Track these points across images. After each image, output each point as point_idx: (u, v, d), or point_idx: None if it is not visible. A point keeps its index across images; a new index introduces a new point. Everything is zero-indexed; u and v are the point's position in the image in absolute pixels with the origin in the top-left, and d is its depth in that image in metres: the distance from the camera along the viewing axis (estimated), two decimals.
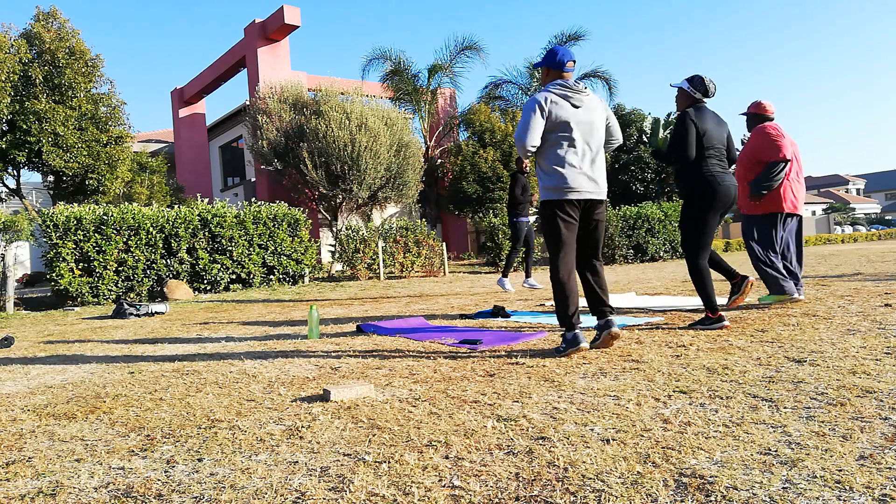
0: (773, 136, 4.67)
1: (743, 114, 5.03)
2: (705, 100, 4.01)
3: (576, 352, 3.25)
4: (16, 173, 13.49)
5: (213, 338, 4.84)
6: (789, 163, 4.62)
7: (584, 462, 1.70)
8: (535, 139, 3.31)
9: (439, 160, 19.97)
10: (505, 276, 7.78)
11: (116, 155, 13.32)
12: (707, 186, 3.89)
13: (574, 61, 3.45)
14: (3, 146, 12.24)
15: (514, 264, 8.05)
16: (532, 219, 8.07)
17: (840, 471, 1.54)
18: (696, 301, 5.44)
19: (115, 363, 3.84)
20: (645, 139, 24.97)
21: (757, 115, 4.89)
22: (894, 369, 2.51)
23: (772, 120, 4.87)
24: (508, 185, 7.90)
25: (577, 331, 3.26)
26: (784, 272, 4.69)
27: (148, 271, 9.51)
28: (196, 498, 1.62)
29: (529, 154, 3.37)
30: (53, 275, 8.81)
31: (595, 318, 3.44)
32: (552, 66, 3.43)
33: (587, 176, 3.33)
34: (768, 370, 2.65)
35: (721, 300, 5.00)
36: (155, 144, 23.08)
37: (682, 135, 3.88)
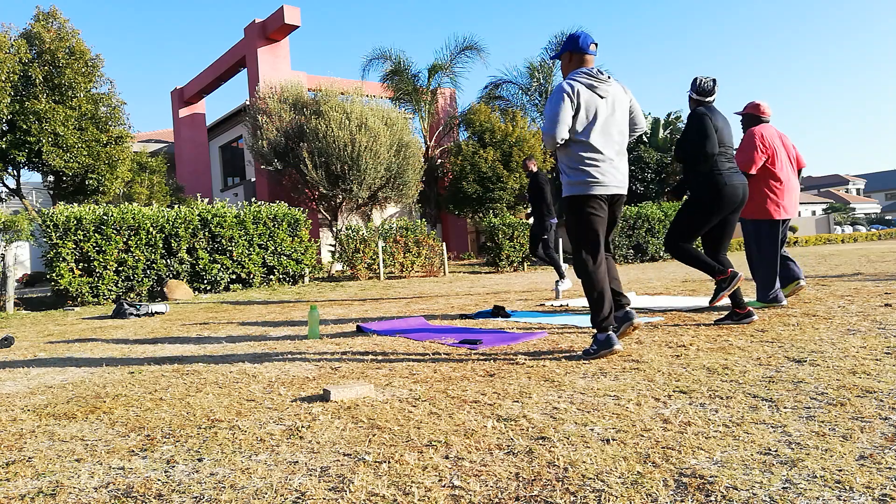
0: (752, 145, 4.60)
1: (738, 113, 5.01)
2: (708, 99, 4.03)
3: (609, 354, 3.08)
4: (16, 173, 13.48)
5: (213, 338, 4.84)
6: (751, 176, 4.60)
7: (584, 462, 1.70)
8: (565, 131, 3.13)
9: (439, 160, 19.97)
10: (564, 275, 7.32)
11: (116, 155, 13.31)
12: (714, 186, 3.88)
13: (596, 44, 3.28)
14: (3, 146, 12.23)
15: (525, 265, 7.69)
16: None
17: (840, 471, 1.54)
18: (696, 301, 5.44)
19: (115, 363, 3.84)
20: (645, 139, 24.98)
21: (752, 117, 4.87)
22: (894, 369, 2.51)
23: (767, 122, 4.85)
24: (532, 185, 7.55)
25: (610, 332, 3.10)
26: (778, 282, 4.71)
27: (148, 271, 9.51)
28: (196, 498, 1.62)
29: (558, 145, 3.19)
30: (53, 275, 8.81)
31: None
32: (574, 50, 3.27)
33: (615, 170, 3.20)
34: (768, 370, 2.65)
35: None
36: (155, 144, 23.08)
37: (702, 135, 3.83)
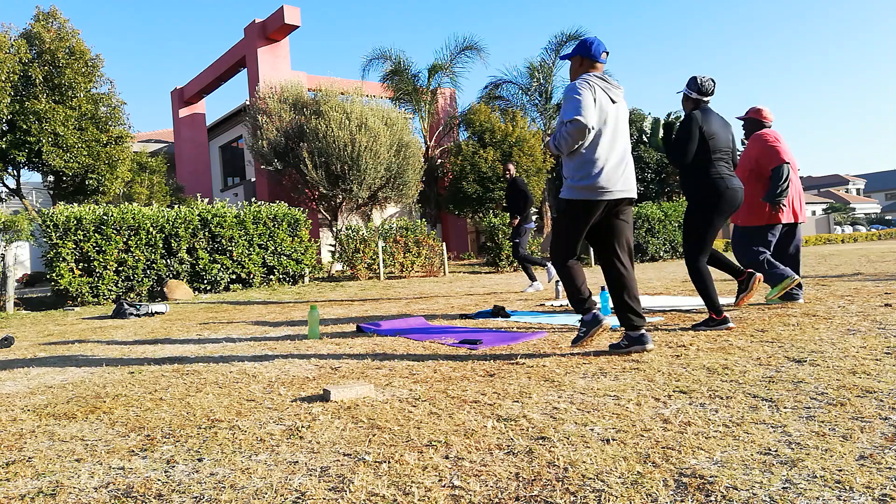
0: (770, 143, 4.66)
1: (740, 118, 5.00)
2: (706, 99, 3.99)
3: (598, 331, 3.12)
4: (16, 173, 13.48)
5: (213, 338, 4.84)
6: (790, 165, 4.63)
7: (584, 462, 1.70)
8: (593, 118, 3.03)
9: (439, 160, 19.97)
10: (535, 279, 7.74)
11: (116, 155, 13.31)
12: (714, 189, 3.86)
13: (608, 53, 3.27)
14: (3, 146, 12.24)
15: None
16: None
17: (840, 471, 1.54)
18: (696, 301, 5.44)
19: (115, 363, 3.84)
20: (645, 139, 24.99)
21: (755, 121, 4.87)
22: (894, 369, 2.51)
23: (769, 127, 4.86)
24: (511, 189, 7.79)
25: (594, 311, 3.15)
26: (779, 264, 4.70)
27: (148, 271, 9.51)
28: (196, 498, 1.62)
29: (589, 133, 3.04)
30: (53, 275, 8.81)
31: (624, 326, 3.23)
32: (586, 55, 3.24)
33: (622, 176, 3.18)
34: (768, 370, 2.65)
35: (727, 300, 4.98)
36: (155, 144, 23.08)
37: (685, 137, 3.84)
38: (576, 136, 3.07)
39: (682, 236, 4.08)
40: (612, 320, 4.26)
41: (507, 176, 7.91)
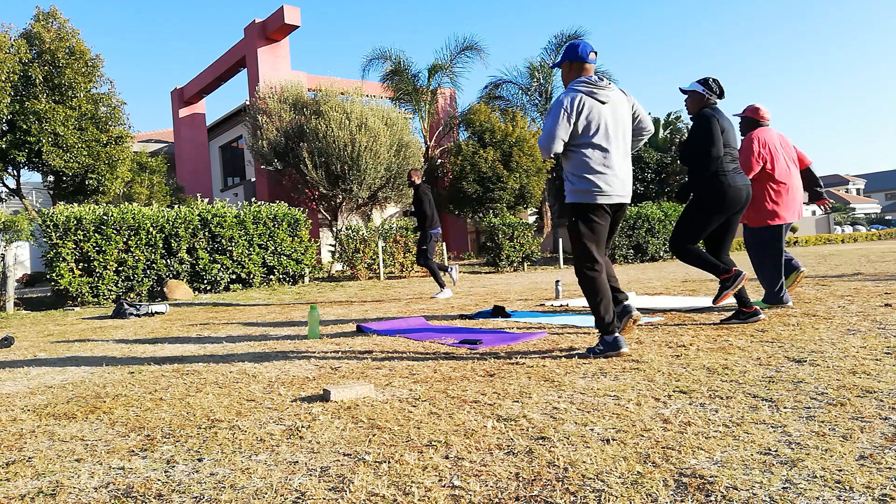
0: (749, 150, 4.60)
1: (737, 115, 4.99)
2: (717, 101, 4.00)
3: (616, 356, 3.12)
4: (16, 173, 13.48)
5: (213, 338, 4.84)
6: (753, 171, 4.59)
7: (584, 462, 1.70)
8: (558, 146, 3.19)
9: (439, 160, 19.96)
10: (443, 285, 7.76)
11: (116, 155, 13.31)
12: (717, 188, 3.86)
13: (596, 52, 3.32)
14: (3, 146, 12.23)
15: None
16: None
17: (840, 471, 1.54)
18: (696, 301, 5.44)
19: (115, 363, 3.84)
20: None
21: (752, 120, 4.85)
22: (894, 369, 2.51)
23: (766, 126, 4.83)
24: (415, 198, 7.90)
25: (617, 334, 3.14)
26: (782, 285, 4.68)
27: (148, 271, 9.51)
28: (196, 498, 1.62)
29: (551, 158, 3.34)
30: (53, 275, 8.81)
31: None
32: (574, 59, 3.29)
33: (618, 179, 3.21)
34: (768, 370, 2.65)
35: (731, 301, 4.92)
36: (155, 144, 23.09)
37: (709, 140, 3.80)
38: (544, 156, 3.30)
39: (676, 224, 4.07)
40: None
41: (412, 182, 7.97)
